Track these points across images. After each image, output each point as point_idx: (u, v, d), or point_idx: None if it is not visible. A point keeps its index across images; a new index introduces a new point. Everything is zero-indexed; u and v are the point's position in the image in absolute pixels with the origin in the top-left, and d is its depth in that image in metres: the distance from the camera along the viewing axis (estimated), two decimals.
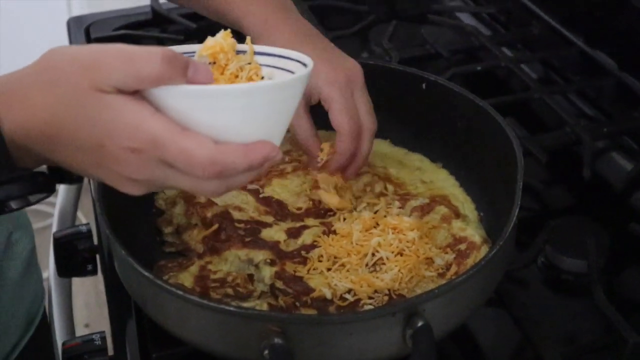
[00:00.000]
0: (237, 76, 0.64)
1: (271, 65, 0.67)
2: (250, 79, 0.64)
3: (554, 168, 1.02)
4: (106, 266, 0.88)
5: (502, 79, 1.22)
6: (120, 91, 0.57)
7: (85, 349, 0.77)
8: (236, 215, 0.85)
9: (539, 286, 0.88)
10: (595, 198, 1.00)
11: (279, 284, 0.77)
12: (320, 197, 0.86)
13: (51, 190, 0.64)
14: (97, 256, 0.89)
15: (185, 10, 1.28)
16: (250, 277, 0.79)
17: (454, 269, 0.79)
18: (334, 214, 0.86)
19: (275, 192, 0.89)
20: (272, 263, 0.79)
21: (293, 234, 0.83)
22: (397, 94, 0.95)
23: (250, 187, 0.89)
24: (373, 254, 0.79)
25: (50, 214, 1.14)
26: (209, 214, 0.84)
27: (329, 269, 0.79)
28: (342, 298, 0.76)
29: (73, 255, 0.87)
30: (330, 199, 0.86)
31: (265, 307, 0.75)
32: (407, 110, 0.95)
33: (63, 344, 0.79)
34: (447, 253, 0.80)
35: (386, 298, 0.76)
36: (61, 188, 1.09)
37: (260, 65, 0.66)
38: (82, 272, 0.88)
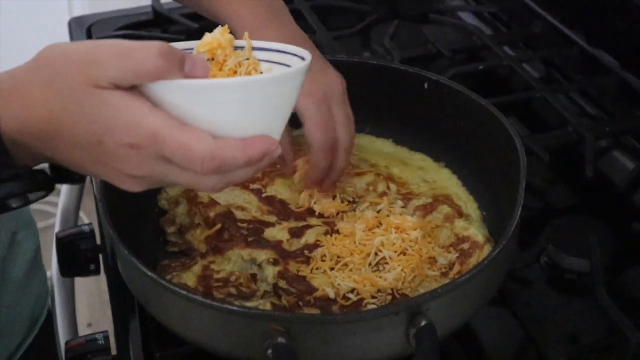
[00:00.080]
0: (235, 72, 0.64)
1: (270, 60, 0.66)
2: (248, 75, 0.64)
3: (556, 167, 1.02)
4: (109, 266, 0.88)
5: (504, 78, 1.22)
6: (118, 87, 0.57)
7: (88, 348, 0.77)
8: (239, 214, 0.85)
9: (541, 285, 0.88)
10: (598, 197, 1.00)
11: (282, 284, 0.77)
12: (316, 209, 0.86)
13: (50, 189, 0.64)
14: (100, 256, 0.89)
15: (186, 10, 1.27)
16: (253, 277, 0.80)
17: (456, 268, 0.79)
18: (337, 214, 0.86)
19: (278, 192, 0.89)
20: (275, 262, 0.79)
21: (296, 233, 0.83)
22: (399, 94, 0.95)
23: (252, 186, 0.89)
24: (376, 254, 0.79)
25: (52, 213, 1.14)
26: (211, 214, 0.84)
27: (332, 269, 0.79)
28: (345, 297, 0.76)
29: (76, 255, 0.87)
30: (326, 208, 0.86)
31: (268, 306, 0.75)
32: (409, 110, 0.95)
33: (66, 344, 0.79)
34: (450, 252, 0.80)
35: (389, 297, 0.76)
36: (64, 188, 1.09)
37: (259, 60, 0.66)
38: (85, 272, 0.88)
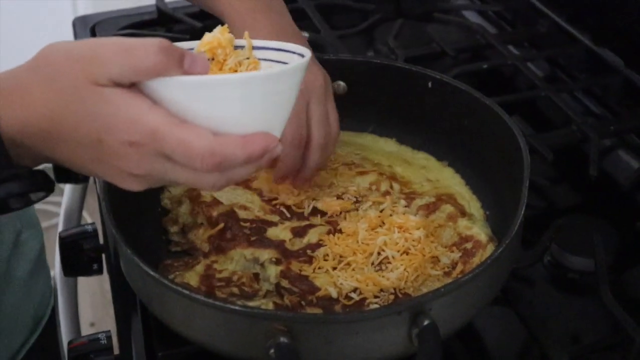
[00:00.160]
0: (235, 71, 0.64)
1: (270, 59, 0.66)
2: None
3: (560, 166, 1.02)
4: (112, 265, 0.88)
5: (508, 77, 1.21)
6: (118, 84, 0.57)
7: (91, 348, 0.77)
8: (242, 214, 0.85)
9: (545, 285, 0.87)
10: (602, 196, 1.00)
11: (285, 283, 0.77)
12: (320, 208, 0.86)
13: (50, 190, 0.64)
14: (103, 255, 0.89)
15: (190, 10, 1.28)
16: (256, 276, 0.79)
17: (459, 267, 0.78)
18: (340, 213, 0.86)
19: (261, 186, 0.88)
20: (277, 262, 0.79)
21: (298, 233, 0.83)
22: (403, 93, 0.95)
23: (255, 186, 0.89)
24: (379, 253, 0.79)
25: (56, 213, 1.14)
26: (214, 213, 0.84)
27: (334, 268, 0.78)
28: (347, 297, 0.76)
29: (79, 255, 0.87)
30: (329, 207, 0.86)
31: (270, 306, 0.75)
32: (413, 109, 0.95)
33: (69, 343, 0.79)
34: (453, 252, 0.80)
35: (392, 297, 0.76)
36: (67, 187, 1.09)
37: (259, 59, 0.66)
38: (88, 272, 0.88)
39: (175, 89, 0.58)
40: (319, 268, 0.79)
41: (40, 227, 1.06)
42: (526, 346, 0.81)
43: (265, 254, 0.80)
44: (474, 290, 0.69)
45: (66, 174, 0.66)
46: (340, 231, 0.83)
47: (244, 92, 0.58)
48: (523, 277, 0.87)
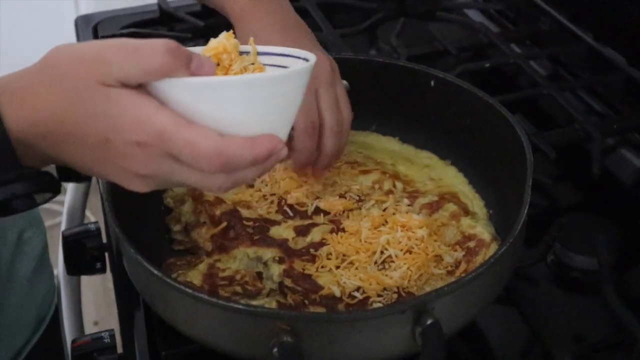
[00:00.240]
0: None
1: (275, 64, 0.67)
2: None
3: (563, 165, 1.02)
4: (115, 264, 0.88)
5: (510, 76, 1.21)
6: (125, 85, 0.57)
7: (94, 346, 0.77)
8: (244, 213, 0.85)
9: (548, 284, 0.87)
10: (605, 195, 1.00)
11: (288, 282, 0.77)
12: (323, 207, 0.86)
13: (57, 191, 0.64)
14: (106, 254, 0.89)
15: (192, 9, 1.28)
16: (259, 275, 0.79)
17: (463, 266, 0.78)
18: (343, 212, 0.86)
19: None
20: (280, 261, 0.79)
21: (302, 231, 0.83)
22: (405, 92, 0.95)
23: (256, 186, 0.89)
24: (382, 252, 0.79)
25: (59, 212, 1.15)
26: (217, 212, 0.84)
27: (337, 267, 0.78)
28: (351, 296, 0.76)
29: (82, 254, 0.87)
30: (332, 205, 0.86)
31: (274, 305, 0.75)
32: (415, 108, 0.95)
33: (72, 342, 0.79)
34: (456, 250, 0.80)
35: (395, 296, 0.76)
36: (70, 186, 1.09)
37: (264, 65, 0.66)
38: (91, 271, 0.88)
39: (182, 90, 0.58)
40: (322, 267, 0.79)
41: (43, 225, 1.06)
42: (529, 345, 0.81)
43: (268, 253, 0.80)
44: (477, 289, 0.69)
45: (69, 173, 0.66)
46: (343, 230, 0.83)
47: (249, 94, 0.59)
48: (526, 276, 0.87)
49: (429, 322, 0.64)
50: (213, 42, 0.64)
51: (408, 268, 0.77)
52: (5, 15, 2.12)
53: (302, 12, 1.23)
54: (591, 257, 0.86)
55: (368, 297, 0.76)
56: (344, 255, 0.80)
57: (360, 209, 0.86)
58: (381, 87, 0.95)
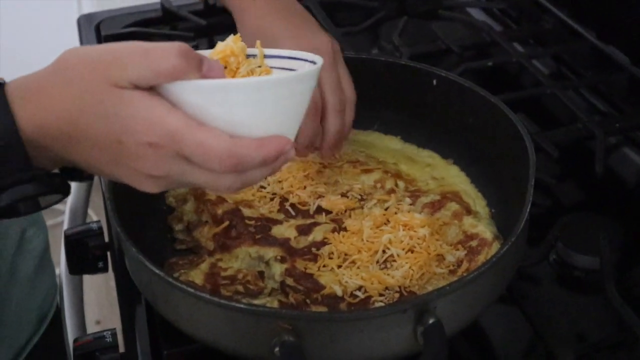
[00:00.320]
0: None
1: (282, 67, 0.68)
2: None
3: (565, 164, 1.02)
4: (117, 263, 0.88)
5: (513, 75, 1.21)
6: (137, 87, 0.58)
7: (96, 345, 0.77)
8: (246, 212, 0.85)
9: (550, 283, 0.87)
10: (608, 194, 1.00)
11: (290, 281, 0.77)
12: (325, 206, 0.86)
13: (67, 192, 0.64)
14: (108, 253, 0.89)
15: (194, 7, 1.28)
16: (261, 274, 0.79)
17: (465, 265, 0.78)
18: (345, 211, 0.85)
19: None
20: (282, 260, 0.79)
21: (303, 230, 0.83)
22: (407, 90, 0.94)
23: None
24: (384, 251, 0.79)
25: (61, 211, 1.15)
26: (219, 211, 0.84)
27: (339, 266, 0.78)
28: (352, 295, 0.76)
29: (84, 253, 0.87)
30: (334, 205, 0.86)
31: (275, 304, 0.75)
32: (418, 107, 0.95)
33: (74, 341, 0.79)
34: (458, 250, 0.80)
35: (397, 295, 0.76)
36: (72, 185, 1.09)
37: (272, 68, 0.67)
38: (93, 270, 0.88)
39: (194, 92, 0.59)
40: (324, 266, 0.79)
41: (45, 224, 1.06)
42: (531, 344, 0.81)
43: (270, 252, 0.80)
44: (480, 289, 0.69)
45: (71, 172, 0.66)
46: (345, 229, 0.83)
47: (257, 96, 0.59)
48: (528, 275, 0.87)
49: (430, 321, 0.64)
50: (220, 45, 0.65)
51: (410, 267, 0.77)
52: (8, 14, 2.12)
53: None
54: (594, 257, 0.85)
55: (370, 297, 0.76)
56: (345, 254, 0.80)
57: (362, 208, 0.86)
58: (383, 86, 0.95)
